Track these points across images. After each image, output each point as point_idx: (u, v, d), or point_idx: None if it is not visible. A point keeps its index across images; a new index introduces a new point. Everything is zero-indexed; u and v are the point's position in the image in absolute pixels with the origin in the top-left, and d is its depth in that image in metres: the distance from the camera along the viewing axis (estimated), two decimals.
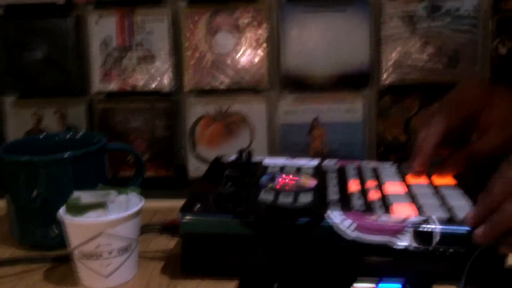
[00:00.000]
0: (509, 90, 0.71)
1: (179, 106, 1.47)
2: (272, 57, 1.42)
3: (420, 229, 0.58)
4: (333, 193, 0.66)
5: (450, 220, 0.59)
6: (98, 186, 0.65)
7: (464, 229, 0.58)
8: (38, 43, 1.45)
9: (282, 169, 0.75)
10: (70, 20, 1.43)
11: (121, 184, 0.68)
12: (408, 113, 1.36)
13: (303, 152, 1.40)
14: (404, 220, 0.59)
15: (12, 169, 0.71)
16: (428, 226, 0.58)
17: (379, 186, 0.68)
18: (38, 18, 1.45)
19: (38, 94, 1.48)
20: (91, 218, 0.60)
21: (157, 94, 1.44)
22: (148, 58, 1.43)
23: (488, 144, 0.68)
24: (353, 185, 0.68)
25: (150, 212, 0.82)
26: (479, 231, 0.57)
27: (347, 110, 1.39)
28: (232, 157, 0.79)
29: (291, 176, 0.71)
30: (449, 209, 0.61)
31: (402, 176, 0.72)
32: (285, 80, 1.39)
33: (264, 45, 1.39)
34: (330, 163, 0.77)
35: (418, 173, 0.71)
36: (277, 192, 0.65)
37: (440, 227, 0.58)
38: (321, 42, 1.37)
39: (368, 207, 0.62)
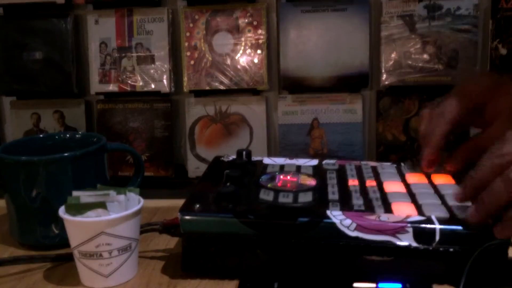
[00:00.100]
0: None
1: (178, 106, 1.47)
2: (272, 57, 1.42)
3: (420, 228, 0.58)
4: (332, 193, 0.66)
5: (450, 220, 0.59)
6: (97, 186, 0.65)
7: (464, 229, 0.58)
8: (38, 43, 1.45)
9: (281, 168, 0.75)
10: (69, 20, 1.43)
11: (120, 184, 0.68)
12: (408, 113, 1.36)
13: (303, 152, 1.40)
14: (404, 220, 0.59)
15: (12, 169, 0.71)
16: (428, 225, 0.58)
17: (379, 186, 0.68)
18: (37, 18, 1.45)
19: (37, 94, 1.48)
20: (91, 217, 0.60)
21: (156, 94, 1.44)
22: (148, 58, 1.43)
23: (494, 135, 0.66)
24: (353, 185, 0.68)
25: (150, 212, 0.82)
26: (471, 210, 0.57)
27: (347, 111, 1.39)
28: (232, 157, 0.79)
29: (290, 176, 0.71)
30: (449, 209, 0.61)
31: (402, 176, 0.72)
32: (284, 81, 1.39)
33: (264, 45, 1.39)
34: (330, 163, 0.77)
35: (429, 164, 0.70)
36: (277, 192, 0.65)
37: (440, 226, 0.58)
38: (321, 42, 1.37)
39: (368, 207, 0.62)
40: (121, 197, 0.63)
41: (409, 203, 0.63)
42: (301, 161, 0.78)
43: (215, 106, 1.43)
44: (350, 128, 1.38)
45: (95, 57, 1.45)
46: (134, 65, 1.43)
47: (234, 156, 0.78)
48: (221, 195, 0.63)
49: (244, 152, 0.76)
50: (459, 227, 0.58)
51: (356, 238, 0.58)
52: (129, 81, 1.44)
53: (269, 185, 0.68)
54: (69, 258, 0.65)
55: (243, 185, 0.67)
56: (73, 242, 0.61)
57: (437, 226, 0.58)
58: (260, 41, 1.39)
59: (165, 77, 1.42)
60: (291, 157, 0.80)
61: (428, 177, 0.71)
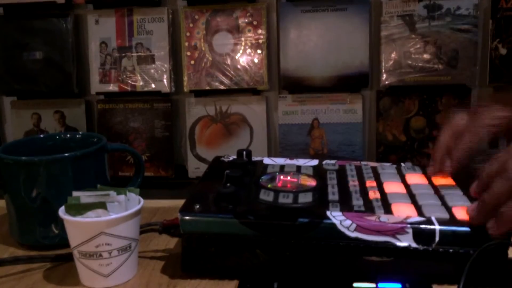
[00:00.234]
0: None
1: (179, 106, 1.47)
2: (272, 57, 1.42)
3: (420, 229, 0.58)
4: (332, 194, 0.66)
5: (450, 220, 0.59)
6: (98, 186, 0.65)
7: (464, 229, 0.58)
8: (38, 43, 1.45)
9: (282, 169, 0.75)
10: (70, 20, 1.44)
11: (121, 184, 0.68)
12: (408, 113, 1.36)
13: (303, 152, 1.40)
14: (403, 221, 0.59)
15: (12, 169, 0.71)
16: (428, 226, 0.58)
17: (379, 187, 0.68)
18: (37, 18, 1.45)
19: (37, 94, 1.48)
20: (91, 218, 0.60)
21: (156, 94, 1.44)
22: (148, 58, 1.43)
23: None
24: (353, 185, 0.68)
25: (150, 212, 0.82)
26: (471, 208, 0.58)
27: (347, 111, 1.39)
28: (232, 157, 0.79)
29: (290, 176, 0.71)
30: (449, 209, 0.61)
31: (402, 176, 0.72)
32: (284, 80, 1.40)
33: (264, 45, 1.39)
34: (330, 163, 0.77)
35: (440, 173, 0.70)
36: (277, 192, 0.65)
37: (440, 227, 0.58)
38: (321, 42, 1.37)
39: (368, 208, 0.62)
40: (121, 197, 0.63)
41: (409, 204, 0.63)
42: (301, 162, 0.78)
43: (216, 106, 1.43)
44: (350, 128, 1.38)
45: (95, 57, 1.45)
46: (134, 65, 1.44)
47: (234, 156, 0.78)
48: (221, 196, 0.63)
49: (244, 152, 0.76)
50: (459, 228, 0.58)
51: (356, 238, 0.58)
52: (129, 81, 1.44)
53: (269, 186, 0.68)
54: (69, 258, 0.65)
55: (243, 185, 0.67)
56: (73, 242, 0.61)
57: (437, 227, 0.58)
58: (260, 41, 1.39)
59: (165, 77, 1.42)
60: (291, 158, 0.80)
61: (428, 178, 0.71)
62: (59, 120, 1.48)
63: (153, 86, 1.43)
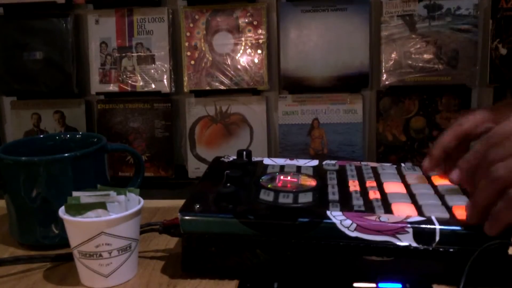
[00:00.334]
0: None
1: (179, 106, 1.47)
2: (272, 57, 1.42)
3: (420, 229, 0.58)
4: (332, 194, 0.66)
5: (450, 220, 0.59)
6: (98, 186, 0.65)
7: (464, 229, 0.58)
8: (38, 43, 1.45)
9: (282, 169, 0.75)
10: (70, 20, 1.44)
11: (121, 184, 0.68)
12: (408, 113, 1.36)
13: (303, 152, 1.40)
14: (404, 220, 0.59)
15: (12, 169, 0.71)
16: (428, 226, 0.58)
17: (379, 186, 0.68)
18: (37, 18, 1.45)
19: (37, 94, 1.48)
20: (91, 218, 0.60)
21: (156, 94, 1.44)
22: (148, 58, 1.43)
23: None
24: (353, 185, 0.68)
25: (150, 212, 0.82)
26: (467, 206, 0.59)
27: (347, 111, 1.39)
28: (232, 157, 0.79)
29: (291, 176, 0.71)
30: (449, 209, 0.61)
31: (402, 176, 0.72)
32: (284, 81, 1.40)
33: (264, 45, 1.39)
34: (330, 164, 0.77)
35: (430, 163, 0.71)
36: (277, 192, 0.65)
37: (440, 227, 0.58)
38: (321, 42, 1.37)
39: (368, 207, 0.62)
40: (121, 197, 0.63)
41: (409, 204, 0.63)
42: (301, 162, 0.78)
43: (216, 106, 1.43)
44: (350, 128, 1.38)
45: (95, 57, 1.45)
46: (135, 65, 1.44)
47: (235, 157, 0.78)
48: (221, 196, 0.62)
49: (244, 153, 0.76)
50: (459, 228, 0.58)
51: (356, 238, 0.58)
52: (129, 81, 1.44)
53: (269, 186, 0.68)
54: (69, 258, 0.65)
55: (243, 185, 0.67)
56: (73, 242, 0.61)
57: (437, 227, 0.58)
58: (260, 41, 1.39)
59: (165, 77, 1.42)
60: (291, 158, 0.80)
61: (428, 178, 0.71)
62: (59, 120, 1.48)
63: (153, 86, 1.43)
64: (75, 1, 1.44)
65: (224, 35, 1.41)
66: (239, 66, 1.40)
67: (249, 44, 1.40)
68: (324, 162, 0.77)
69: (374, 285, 0.57)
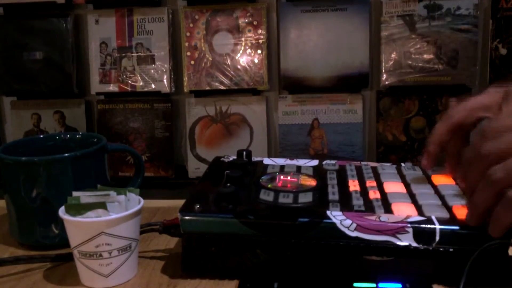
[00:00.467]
0: None
1: (179, 106, 1.47)
2: (272, 57, 1.42)
3: (420, 229, 0.58)
4: (332, 193, 0.66)
5: (450, 220, 0.59)
6: (98, 186, 0.65)
7: (464, 229, 0.58)
8: (38, 43, 1.45)
9: (282, 169, 0.75)
10: (70, 20, 1.44)
11: (121, 184, 0.68)
12: (408, 113, 1.36)
13: (303, 152, 1.40)
14: (404, 220, 0.59)
15: (12, 169, 0.71)
16: (428, 226, 0.58)
17: (379, 186, 0.68)
18: (37, 18, 1.45)
19: (37, 94, 1.48)
20: (91, 218, 0.60)
21: (156, 94, 1.44)
22: (148, 58, 1.43)
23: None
24: (353, 185, 0.68)
25: (150, 212, 0.82)
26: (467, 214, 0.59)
27: (347, 111, 1.39)
28: (232, 157, 0.79)
29: (291, 176, 0.71)
30: (449, 209, 0.61)
31: (402, 176, 0.72)
32: (284, 81, 1.40)
33: (264, 45, 1.39)
34: (330, 164, 0.77)
35: (428, 158, 0.71)
36: (277, 192, 0.65)
37: (440, 227, 0.58)
38: (321, 42, 1.37)
39: (368, 207, 0.62)
40: (121, 197, 0.63)
41: (409, 204, 0.63)
42: (301, 162, 0.78)
43: (216, 106, 1.43)
44: (350, 128, 1.38)
45: (95, 57, 1.45)
46: (134, 65, 1.44)
47: (235, 157, 0.78)
48: (221, 196, 0.62)
49: (244, 153, 0.76)
50: (459, 228, 0.58)
51: (356, 238, 0.58)
52: (129, 81, 1.44)
53: (269, 186, 0.68)
54: (69, 258, 0.65)
55: (243, 185, 0.67)
56: (73, 242, 0.61)
57: (437, 227, 0.58)
58: (260, 41, 1.39)
59: (165, 77, 1.42)
60: (291, 158, 0.80)
61: (428, 178, 0.71)
62: (59, 120, 1.48)
63: (153, 86, 1.43)
64: (75, 1, 1.44)
65: (224, 35, 1.41)
66: (239, 66, 1.40)
67: (249, 44, 1.40)
68: (324, 162, 0.77)
69: (374, 285, 0.57)
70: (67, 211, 0.61)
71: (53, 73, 1.45)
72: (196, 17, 1.41)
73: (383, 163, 0.78)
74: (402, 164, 0.76)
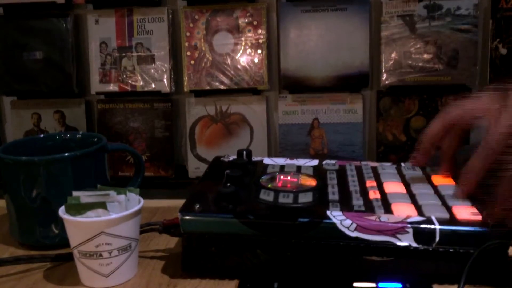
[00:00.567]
0: None
1: (179, 106, 1.47)
2: (272, 57, 1.42)
3: (420, 229, 0.58)
4: (332, 193, 0.66)
5: (450, 220, 0.59)
6: (98, 186, 0.65)
7: (464, 229, 0.58)
8: (38, 43, 1.45)
9: (282, 169, 0.75)
10: (69, 20, 1.44)
11: (121, 184, 0.68)
12: (408, 113, 1.36)
13: (303, 152, 1.40)
14: (404, 220, 0.59)
15: (12, 169, 0.71)
16: (428, 226, 0.58)
17: (379, 186, 0.68)
18: (37, 18, 1.45)
19: (37, 94, 1.48)
20: (91, 217, 0.60)
21: (156, 94, 1.44)
22: (148, 58, 1.43)
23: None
24: (353, 185, 0.68)
25: (150, 212, 0.82)
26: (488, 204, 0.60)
27: (347, 111, 1.39)
28: (232, 157, 0.79)
29: (291, 176, 0.71)
30: (449, 209, 0.61)
31: (402, 176, 0.72)
32: (284, 80, 1.40)
33: (264, 45, 1.39)
34: (330, 163, 0.77)
35: (418, 156, 0.71)
36: (277, 192, 0.65)
37: (440, 227, 0.58)
38: (321, 42, 1.37)
39: (368, 207, 0.62)
40: (121, 197, 0.63)
41: (409, 204, 0.63)
42: (301, 162, 0.78)
43: (216, 106, 1.43)
44: (350, 128, 1.38)
45: (95, 57, 1.45)
46: (135, 65, 1.44)
47: (235, 156, 0.78)
48: (221, 195, 0.62)
49: (244, 152, 0.76)
50: (459, 228, 0.58)
51: (356, 238, 0.58)
52: (129, 81, 1.44)
53: (269, 186, 0.68)
54: (69, 258, 0.65)
55: (244, 185, 0.67)
56: (73, 242, 0.61)
57: (437, 227, 0.58)
58: (260, 41, 1.39)
59: (165, 77, 1.42)
60: (291, 158, 0.80)
61: (428, 178, 0.71)
62: (59, 120, 1.48)
63: (153, 86, 1.43)
64: (75, 1, 1.44)
65: (224, 35, 1.41)
66: (239, 66, 1.40)
67: (249, 44, 1.40)
68: (324, 162, 0.77)
69: (374, 285, 0.57)
70: (67, 211, 0.61)
71: (53, 73, 1.45)
72: (196, 17, 1.41)
73: (383, 163, 0.78)
74: (402, 164, 0.76)
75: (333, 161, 0.77)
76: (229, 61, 1.41)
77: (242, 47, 1.40)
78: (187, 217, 0.61)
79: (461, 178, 0.64)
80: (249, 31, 1.39)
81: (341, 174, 0.73)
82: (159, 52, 1.42)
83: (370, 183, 0.69)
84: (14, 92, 1.50)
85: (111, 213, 0.61)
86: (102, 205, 0.61)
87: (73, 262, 0.63)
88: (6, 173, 0.72)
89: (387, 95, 1.37)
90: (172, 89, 1.43)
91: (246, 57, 1.40)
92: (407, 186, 0.69)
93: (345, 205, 0.62)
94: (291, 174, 0.72)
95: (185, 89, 1.43)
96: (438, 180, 0.70)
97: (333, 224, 0.59)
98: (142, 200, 0.64)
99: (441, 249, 0.58)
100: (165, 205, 0.85)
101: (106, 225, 0.60)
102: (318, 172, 0.73)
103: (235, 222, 0.60)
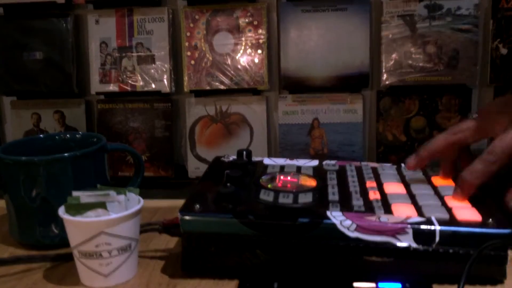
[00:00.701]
0: None
1: (179, 106, 1.47)
2: (272, 57, 1.42)
3: (420, 229, 0.58)
4: (332, 194, 0.66)
5: (450, 221, 0.59)
6: (97, 186, 0.65)
7: (464, 229, 0.58)
8: (38, 43, 1.45)
9: (282, 169, 0.75)
10: (70, 20, 1.43)
11: (120, 184, 0.68)
12: (408, 113, 1.36)
13: (303, 152, 1.40)
14: (404, 221, 0.59)
15: (12, 169, 0.71)
16: (428, 226, 0.58)
17: (379, 187, 0.68)
18: (37, 18, 1.45)
19: (37, 94, 1.48)
20: (91, 217, 0.60)
21: (156, 94, 1.44)
22: (148, 58, 1.43)
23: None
24: (353, 186, 0.68)
25: (150, 212, 0.82)
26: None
27: (347, 111, 1.39)
28: (232, 157, 0.79)
29: (291, 176, 0.71)
30: (449, 210, 0.61)
31: (402, 177, 0.72)
32: (285, 80, 1.39)
33: (264, 45, 1.39)
34: (330, 164, 0.77)
35: (415, 162, 0.71)
36: (277, 193, 0.65)
37: (440, 227, 0.58)
38: (321, 42, 1.37)
39: (368, 208, 0.62)
40: (121, 197, 0.63)
41: (409, 204, 0.63)
42: (301, 162, 0.78)
43: (216, 106, 1.43)
44: (350, 128, 1.38)
45: (95, 57, 1.45)
46: (135, 65, 1.44)
47: (235, 156, 0.78)
48: (221, 196, 0.63)
49: (244, 153, 0.76)
50: (459, 228, 0.58)
51: (356, 239, 0.58)
52: (129, 81, 1.44)
53: (269, 186, 0.68)
54: (69, 258, 0.65)
55: (243, 185, 0.67)
56: (73, 242, 0.61)
57: (437, 227, 0.58)
58: (261, 41, 1.39)
59: (165, 77, 1.42)
60: (291, 158, 0.80)
61: (428, 179, 0.71)
62: (59, 120, 1.48)
63: (153, 86, 1.43)
64: (75, 1, 1.44)
65: (224, 35, 1.41)
66: (239, 66, 1.40)
67: (249, 44, 1.40)
68: (324, 162, 0.77)
69: (374, 285, 0.57)
70: (67, 211, 0.61)
71: (53, 73, 1.45)
72: (196, 17, 1.41)
73: (383, 164, 0.78)
74: (402, 165, 0.76)
75: (333, 162, 0.77)
76: (229, 61, 1.41)
77: (242, 47, 1.40)
78: (187, 217, 0.61)
79: (461, 179, 0.64)
80: (250, 31, 1.39)
81: (341, 174, 0.73)
82: (159, 52, 1.42)
83: (370, 183, 0.69)
84: (14, 92, 1.50)
85: (111, 213, 0.61)
86: (102, 205, 0.61)
87: (73, 262, 0.63)
88: (6, 173, 0.72)
89: (387, 95, 1.36)
90: (172, 89, 1.43)
91: (246, 57, 1.40)
92: (407, 186, 0.69)
93: (345, 206, 0.62)
94: (291, 174, 0.72)
95: (185, 89, 1.43)
96: (438, 181, 0.70)
97: (333, 224, 0.59)
98: (142, 200, 0.64)
99: (441, 250, 0.58)
100: (165, 205, 0.85)
101: (106, 225, 0.60)
102: (318, 173, 0.73)
103: (235, 222, 0.60)
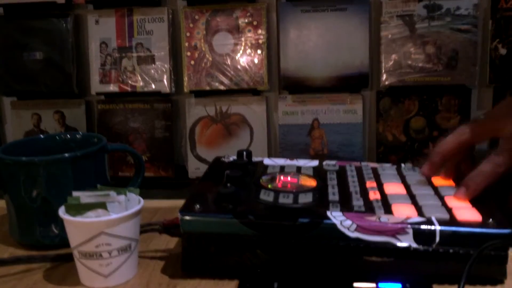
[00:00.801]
0: None
1: (179, 106, 1.47)
2: (272, 57, 1.42)
3: (420, 230, 0.58)
4: (333, 194, 0.66)
5: (450, 221, 0.59)
6: (98, 186, 0.65)
7: (464, 229, 0.58)
8: (38, 43, 1.45)
9: (282, 169, 0.75)
10: (70, 20, 1.44)
11: (121, 184, 0.68)
12: (408, 113, 1.36)
13: (303, 152, 1.40)
14: (404, 221, 0.59)
15: (12, 169, 0.71)
16: (428, 227, 0.58)
17: (379, 187, 0.68)
18: (37, 18, 1.45)
19: (38, 94, 1.48)
20: (91, 218, 0.60)
21: (156, 94, 1.44)
22: (148, 58, 1.43)
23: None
24: (353, 186, 0.68)
25: (150, 212, 0.82)
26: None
27: (347, 111, 1.39)
28: (232, 157, 0.79)
29: (291, 176, 0.71)
30: (449, 210, 0.61)
31: (402, 177, 0.72)
32: (284, 81, 1.40)
33: (264, 45, 1.39)
34: (330, 164, 0.77)
35: (430, 168, 0.71)
36: (277, 193, 0.65)
37: (440, 228, 0.58)
38: (321, 42, 1.37)
39: (368, 208, 0.62)
40: (121, 197, 0.63)
41: (409, 204, 0.63)
42: (301, 162, 0.78)
43: (216, 106, 1.43)
44: (350, 128, 1.38)
45: (95, 57, 1.45)
46: (135, 65, 1.44)
47: (235, 157, 0.78)
48: (221, 196, 0.63)
49: (244, 153, 0.76)
50: (459, 228, 0.58)
51: (356, 239, 0.58)
52: (129, 81, 1.44)
53: (269, 186, 0.68)
54: (69, 258, 0.65)
55: (244, 185, 0.67)
56: (73, 242, 0.61)
57: (437, 227, 0.58)
58: (260, 41, 1.39)
59: (165, 77, 1.42)
60: (291, 158, 0.80)
61: (429, 179, 0.71)
62: (59, 120, 1.48)
63: (153, 86, 1.43)
64: (75, 1, 1.44)
65: (224, 35, 1.41)
66: (239, 66, 1.40)
67: (249, 44, 1.40)
68: (324, 163, 0.77)
69: (374, 285, 0.57)
70: (67, 211, 0.61)
71: (53, 73, 1.45)
72: (196, 17, 1.41)
73: (383, 164, 0.78)
74: (402, 165, 0.76)
75: (333, 162, 0.77)
76: (229, 62, 1.41)
77: (242, 48, 1.40)
78: (187, 217, 0.61)
79: (468, 180, 0.64)
80: (249, 31, 1.39)
81: (341, 174, 0.73)
82: (159, 52, 1.42)
83: (370, 183, 0.69)
84: (14, 93, 1.50)
85: (111, 213, 0.61)
86: (102, 205, 0.61)
87: (73, 262, 0.63)
88: (6, 173, 0.72)
89: (387, 96, 1.37)
90: (172, 90, 1.43)
91: (246, 58, 1.40)
92: (407, 187, 0.69)
93: (345, 206, 0.62)
94: (291, 174, 0.72)
95: (185, 90, 1.43)
96: (438, 181, 0.70)
97: (333, 224, 0.59)
98: (142, 201, 0.64)
99: (441, 250, 0.58)
100: (165, 205, 0.85)
101: (106, 225, 0.60)
102: (318, 173, 0.73)
103: (235, 222, 0.60)
